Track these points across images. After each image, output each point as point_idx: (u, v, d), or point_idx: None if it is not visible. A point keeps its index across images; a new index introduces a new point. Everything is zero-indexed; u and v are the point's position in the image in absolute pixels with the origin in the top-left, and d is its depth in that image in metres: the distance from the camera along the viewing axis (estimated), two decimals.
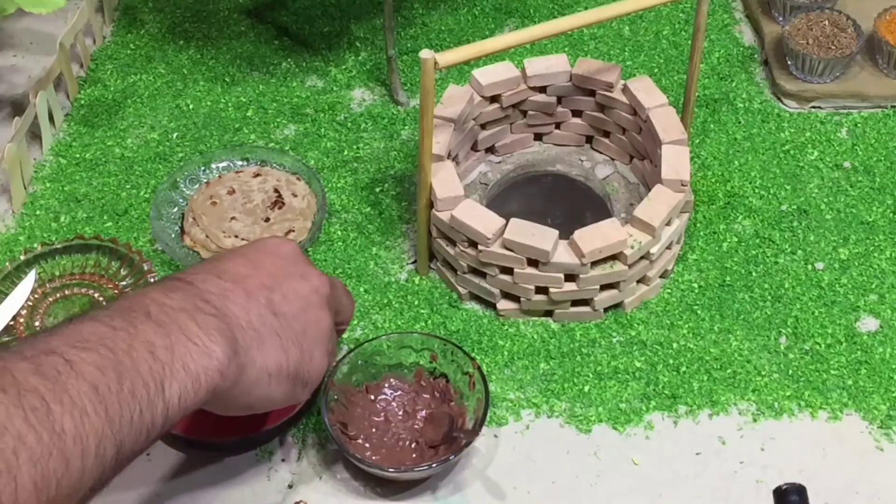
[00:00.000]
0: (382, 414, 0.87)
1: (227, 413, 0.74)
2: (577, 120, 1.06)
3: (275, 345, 0.72)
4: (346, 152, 1.10)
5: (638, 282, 0.94)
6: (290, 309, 0.74)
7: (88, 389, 0.59)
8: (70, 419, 0.57)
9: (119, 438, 0.60)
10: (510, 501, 0.84)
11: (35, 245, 1.00)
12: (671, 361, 0.92)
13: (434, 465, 0.81)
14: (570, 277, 0.91)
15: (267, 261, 0.76)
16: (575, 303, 0.94)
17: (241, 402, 0.71)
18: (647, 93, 0.99)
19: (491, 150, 1.07)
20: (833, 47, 1.12)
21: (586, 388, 0.90)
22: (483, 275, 0.93)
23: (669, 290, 0.97)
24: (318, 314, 0.77)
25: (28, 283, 0.96)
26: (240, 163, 1.06)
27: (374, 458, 0.83)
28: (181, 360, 0.64)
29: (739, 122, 1.12)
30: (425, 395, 0.88)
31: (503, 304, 0.95)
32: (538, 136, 1.08)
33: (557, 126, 1.07)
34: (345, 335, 0.92)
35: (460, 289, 0.96)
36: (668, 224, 0.93)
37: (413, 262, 1.00)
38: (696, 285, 0.97)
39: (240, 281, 0.72)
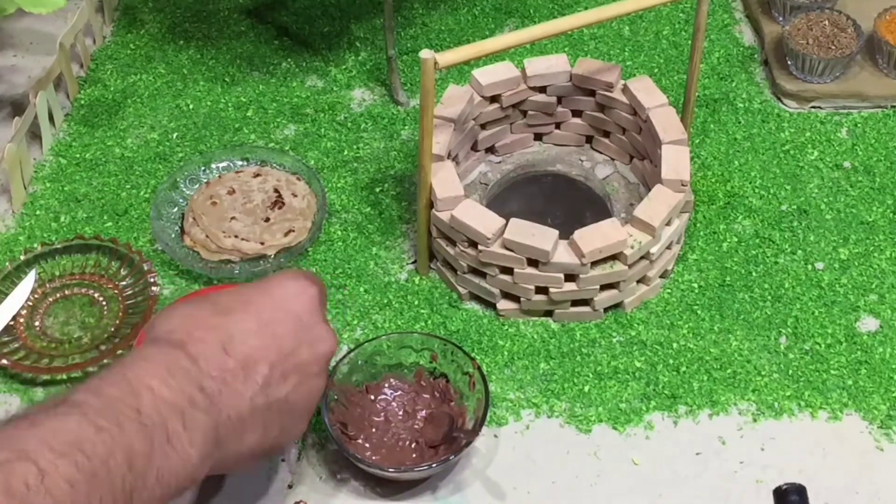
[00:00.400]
0: (382, 414, 0.87)
1: None
2: (577, 120, 1.06)
3: (256, 431, 0.71)
4: (346, 152, 1.10)
5: (638, 282, 0.94)
6: (286, 388, 0.72)
7: None
8: None
9: None
10: (510, 501, 0.84)
11: (35, 245, 1.00)
12: (671, 361, 0.92)
13: (434, 465, 0.81)
14: (570, 277, 0.91)
15: (282, 327, 0.73)
16: (575, 303, 0.94)
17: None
18: (647, 93, 0.99)
19: (491, 150, 1.07)
20: (833, 47, 1.12)
21: (586, 388, 0.90)
22: (483, 275, 0.93)
23: (669, 290, 0.97)
24: (313, 383, 0.75)
25: (28, 283, 0.96)
26: (240, 163, 1.06)
27: (374, 458, 0.83)
28: (156, 469, 0.63)
29: (739, 122, 1.12)
30: (425, 395, 0.88)
31: (503, 304, 0.95)
32: (538, 136, 1.08)
33: (557, 126, 1.07)
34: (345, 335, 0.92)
35: (460, 289, 0.96)
36: (668, 224, 0.93)
37: (413, 262, 1.00)
38: (696, 285, 0.97)
39: (244, 358, 0.70)
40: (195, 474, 0.66)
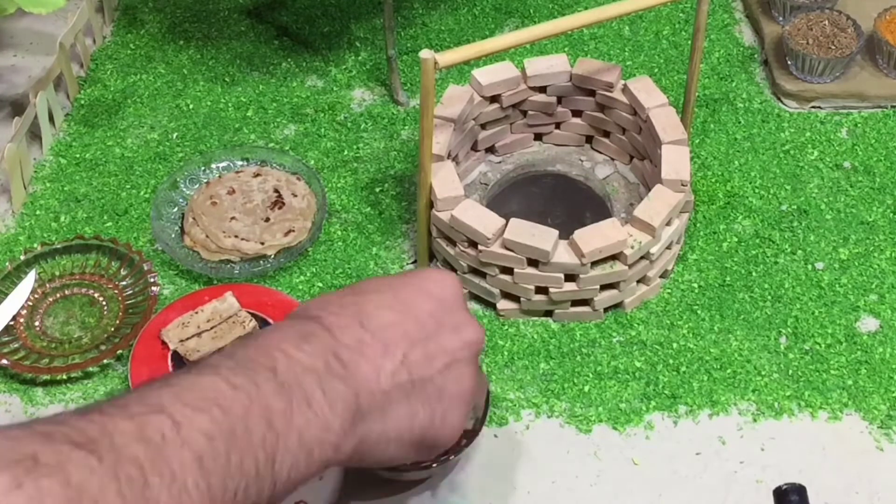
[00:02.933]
0: None
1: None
2: (577, 120, 1.06)
3: (401, 409, 0.66)
4: (346, 152, 1.10)
5: (638, 282, 0.94)
6: (430, 368, 0.68)
7: (192, 461, 0.54)
8: (167, 495, 0.53)
9: None
10: (510, 501, 0.84)
11: (35, 245, 1.00)
12: (671, 361, 0.92)
13: (434, 466, 0.81)
14: (570, 277, 0.91)
15: (421, 305, 0.69)
16: (575, 303, 0.94)
17: (353, 463, 0.67)
18: (647, 93, 0.99)
19: (491, 150, 1.07)
20: (833, 47, 1.12)
21: (586, 388, 0.90)
22: (483, 275, 0.93)
23: (669, 290, 0.97)
24: (463, 371, 0.70)
25: (28, 283, 0.96)
26: (240, 163, 1.06)
27: None
28: (297, 431, 0.59)
29: (739, 122, 1.12)
30: None
31: (503, 304, 0.95)
32: (538, 136, 1.08)
33: (557, 126, 1.07)
34: None
35: None
36: (668, 224, 0.93)
37: (413, 262, 1.00)
38: (696, 285, 0.97)
39: (382, 331, 0.67)
40: (339, 445, 0.62)
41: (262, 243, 0.98)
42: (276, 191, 1.02)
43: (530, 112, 1.05)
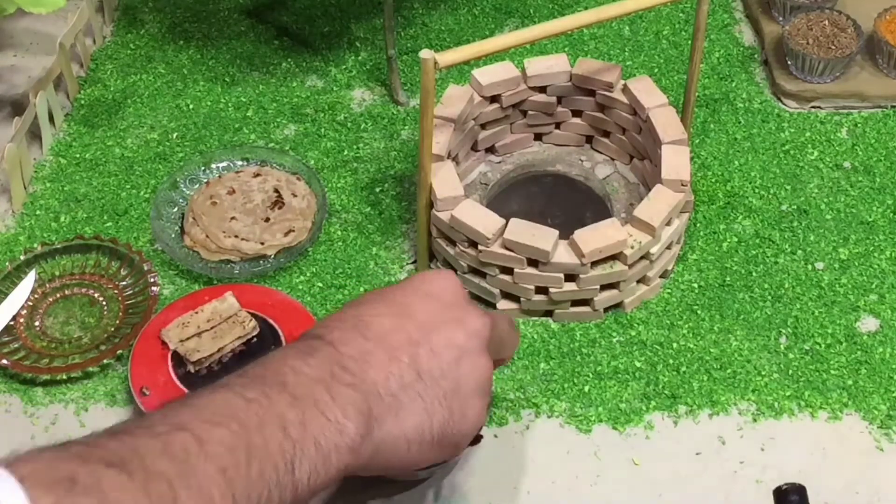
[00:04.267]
0: None
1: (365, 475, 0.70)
2: (577, 120, 1.06)
3: (416, 410, 0.67)
4: (346, 152, 1.10)
5: (638, 282, 0.94)
6: (439, 364, 0.68)
7: (216, 472, 0.57)
8: None
9: None
10: (510, 501, 0.84)
11: (35, 245, 1.00)
12: (671, 361, 0.92)
13: (434, 466, 0.81)
14: (570, 277, 0.91)
15: (419, 306, 0.70)
16: (575, 303, 0.94)
17: (377, 469, 0.68)
18: (647, 93, 0.99)
19: (491, 150, 1.07)
20: (833, 47, 1.12)
21: (586, 388, 0.90)
22: (483, 275, 0.93)
23: (669, 290, 0.97)
24: (476, 362, 0.70)
25: (28, 283, 0.96)
26: (240, 163, 1.06)
27: None
28: (313, 438, 0.61)
29: (739, 122, 1.12)
30: None
31: (503, 304, 0.95)
32: (538, 136, 1.08)
33: (557, 126, 1.07)
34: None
35: None
36: (668, 224, 0.93)
37: (413, 262, 1.00)
38: (696, 285, 0.97)
39: (383, 339, 0.67)
40: (356, 448, 0.63)
41: (262, 243, 0.98)
42: (276, 191, 1.02)
43: (530, 112, 1.05)
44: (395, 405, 0.66)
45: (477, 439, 0.81)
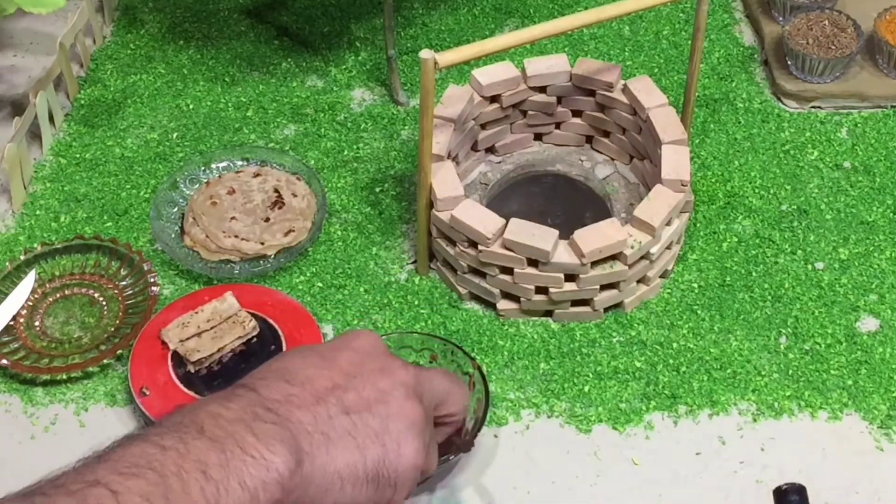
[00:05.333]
0: None
1: None
2: (577, 120, 1.06)
3: (347, 446, 0.66)
4: (346, 152, 1.10)
5: (638, 282, 0.94)
6: (367, 405, 0.68)
7: None
8: None
9: None
10: (510, 501, 0.84)
11: (35, 245, 1.00)
12: (671, 361, 0.92)
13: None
14: (570, 277, 0.91)
15: (342, 357, 0.70)
16: (575, 303, 0.94)
17: None
18: (647, 93, 0.99)
19: (491, 150, 1.07)
20: (833, 47, 1.12)
21: (586, 388, 0.90)
22: (483, 275, 0.93)
23: (669, 290, 0.97)
24: (403, 405, 0.69)
25: (28, 283, 0.96)
26: (240, 163, 1.06)
27: None
28: (237, 477, 0.59)
29: (739, 122, 1.12)
30: None
31: (503, 304, 0.95)
32: (538, 136, 1.08)
33: (557, 126, 1.07)
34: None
35: (460, 289, 0.96)
36: (668, 224, 0.93)
37: (413, 262, 1.00)
38: (696, 285, 0.97)
39: (308, 383, 0.67)
40: (286, 485, 0.61)
41: (262, 243, 0.98)
42: (276, 191, 1.02)
43: (530, 112, 1.05)
44: (324, 441, 0.65)
45: (468, 445, 0.81)
